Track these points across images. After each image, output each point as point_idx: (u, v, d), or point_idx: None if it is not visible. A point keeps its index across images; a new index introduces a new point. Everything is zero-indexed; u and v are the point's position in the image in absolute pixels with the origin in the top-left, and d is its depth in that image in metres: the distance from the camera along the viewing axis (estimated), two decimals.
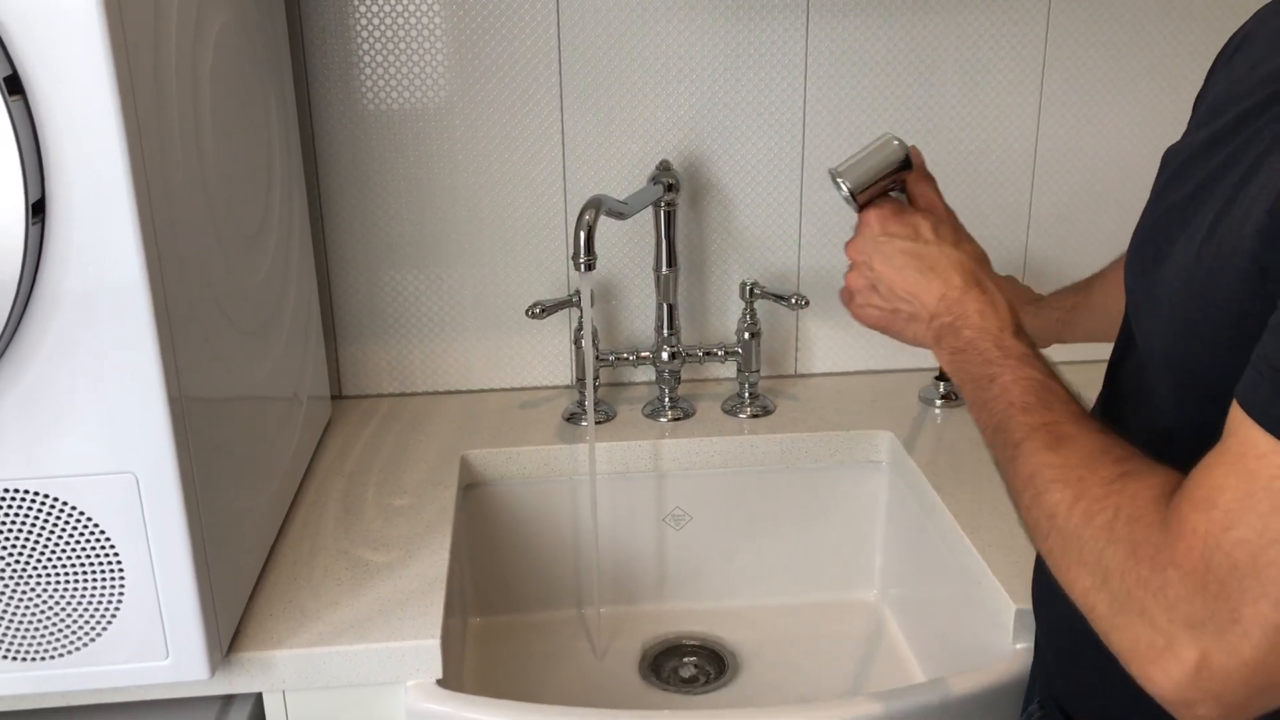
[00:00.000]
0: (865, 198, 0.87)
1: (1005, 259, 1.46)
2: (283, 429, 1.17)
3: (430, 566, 1.09)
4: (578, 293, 1.36)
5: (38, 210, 0.77)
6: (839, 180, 0.86)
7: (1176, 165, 0.75)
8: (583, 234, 1.16)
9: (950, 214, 0.88)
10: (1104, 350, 0.99)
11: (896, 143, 0.86)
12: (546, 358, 1.47)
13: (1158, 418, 0.74)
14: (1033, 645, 1.00)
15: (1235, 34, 0.84)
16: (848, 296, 0.90)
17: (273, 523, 1.13)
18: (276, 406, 1.15)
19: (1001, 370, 0.74)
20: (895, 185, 0.88)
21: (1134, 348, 0.78)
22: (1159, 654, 0.57)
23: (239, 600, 1.00)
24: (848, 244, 0.88)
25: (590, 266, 1.17)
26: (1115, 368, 0.83)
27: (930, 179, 0.89)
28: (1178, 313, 0.67)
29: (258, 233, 1.09)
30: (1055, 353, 0.91)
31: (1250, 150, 0.64)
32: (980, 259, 0.84)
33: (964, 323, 0.79)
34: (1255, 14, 0.82)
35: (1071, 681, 0.84)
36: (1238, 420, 0.57)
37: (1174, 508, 0.58)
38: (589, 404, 1.29)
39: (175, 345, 0.85)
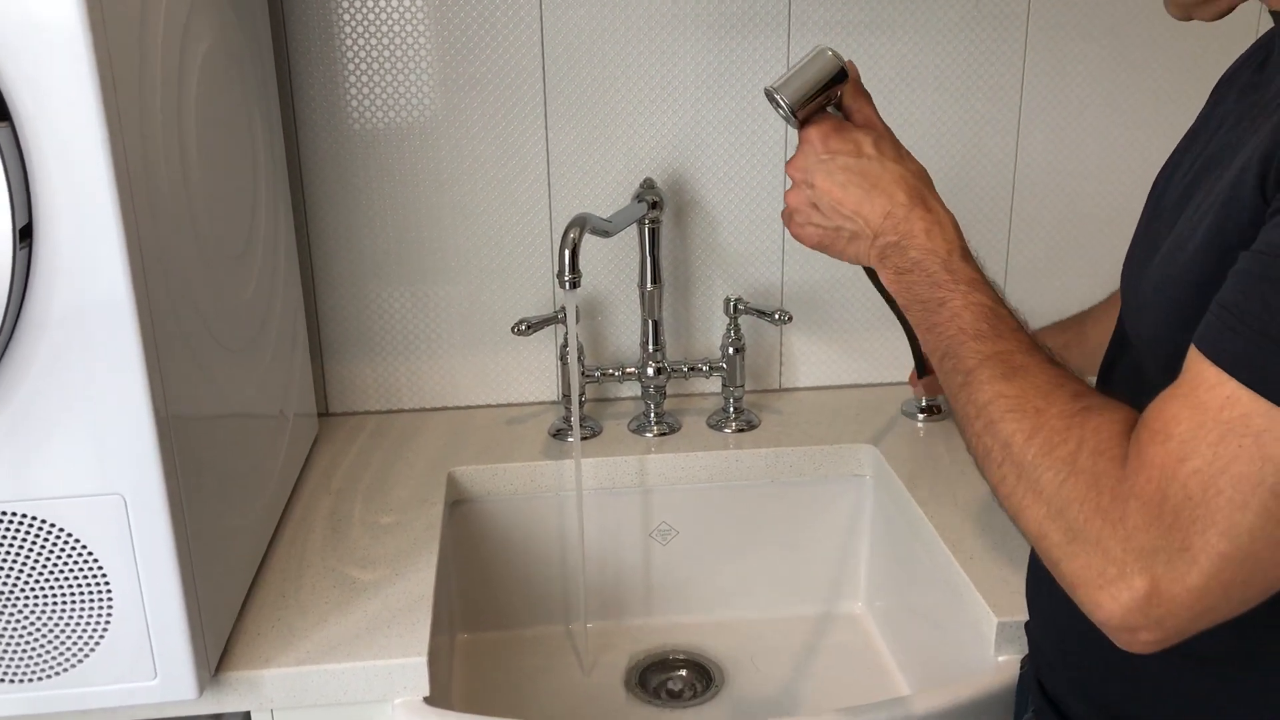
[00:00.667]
0: (805, 113, 0.84)
1: (988, 259, 1.47)
2: (270, 447, 1.18)
3: (417, 584, 1.10)
4: (563, 309, 1.37)
5: (25, 235, 0.78)
6: (777, 96, 0.83)
7: (1172, 183, 0.77)
8: (567, 252, 1.17)
9: (888, 130, 0.87)
10: None
11: (830, 53, 0.84)
12: (532, 374, 1.48)
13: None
14: (1015, 659, 1.01)
15: (1230, 68, 0.86)
16: (787, 216, 0.88)
17: (260, 541, 1.13)
18: (263, 424, 1.16)
19: (951, 294, 0.74)
20: (832, 100, 0.85)
21: (1128, 349, 0.79)
22: (1110, 581, 0.58)
23: (227, 619, 1.00)
24: (788, 162, 0.87)
25: (575, 284, 1.18)
26: (1108, 370, 0.85)
27: (866, 95, 0.87)
28: (1170, 302, 0.69)
29: (243, 252, 1.10)
30: None
31: (1238, 146, 0.66)
32: (924, 176, 0.83)
33: (910, 242, 0.78)
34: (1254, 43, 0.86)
35: (1067, 670, 0.85)
36: (1192, 357, 0.59)
37: (1134, 441, 0.59)
38: (575, 420, 1.29)
39: (162, 366, 0.85)
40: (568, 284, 1.17)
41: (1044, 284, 1.48)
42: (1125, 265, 0.81)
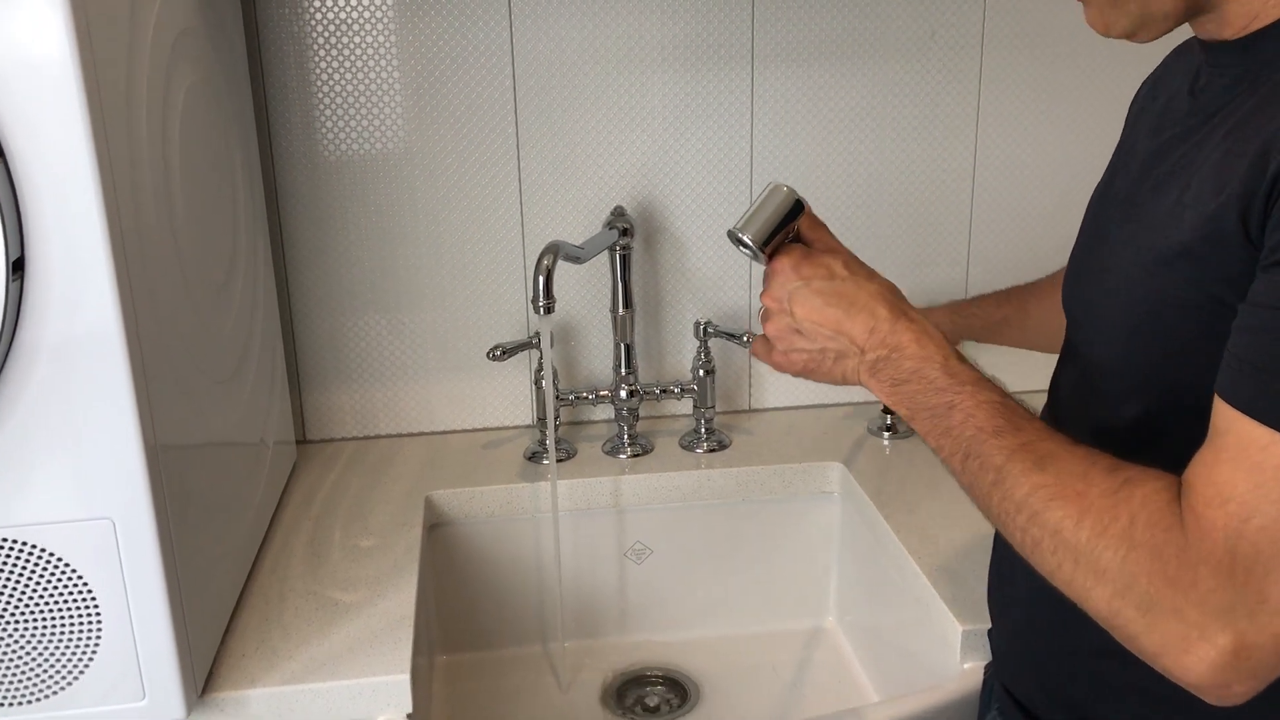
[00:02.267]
0: (770, 248, 0.86)
1: (946, 291, 1.52)
2: (251, 474, 1.20)
3: (398, 605, 1.12)
4: (537, 334, 1.40)
5: (17, 268, 0.80)
6: (741, 236, 0.86)
7: (1108, 199, 0.82)
8: (541, 278, 1.20)
9: (851, 253, 0.88)
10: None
11: (786, 189, 0.87)
12: (507, 398, 1.51)
13: (1104, 420, 0.79)
14: (979, 665, 1.05)
15: (1144, 82, 0.91)
16: (765, 349, 0.87)
17: (243, 565, 1.16)
18: (245, 452, 1.18)
19: (959, 397, 0.74)
20: (791, 233, 0.87)
21: (1075, 359, 0.83)
22: (1193, 645, 0.60)
23: (212, 641, 1.02)
24: (763, 293, 0.87)
25: (550, 309, 1.21)
26: (1058, 381, 0.89)
27: (822, 224, 0.89)
28: (1127, 317, 0.72)
29: (225, 283, 1.12)
30: None
31: (1191, 164, 0.71)
32: (896, 290, 0.84)
33: (902, 354, 0.78)
34: (1163, 60, 0.90)
35: (1034, 676, 0.88)
36: (1229, 417, 0.61)
37: (1188, 509, 0.61)
38: (550, 443, 1.32)
39: (150, 394, 0.88)
40: (542, 309, 1.21)
41: (1001, 277, 1.53)
42: (1067, 283, 0.86)
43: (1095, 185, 0.90)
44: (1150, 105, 0.86)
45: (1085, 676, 0.82)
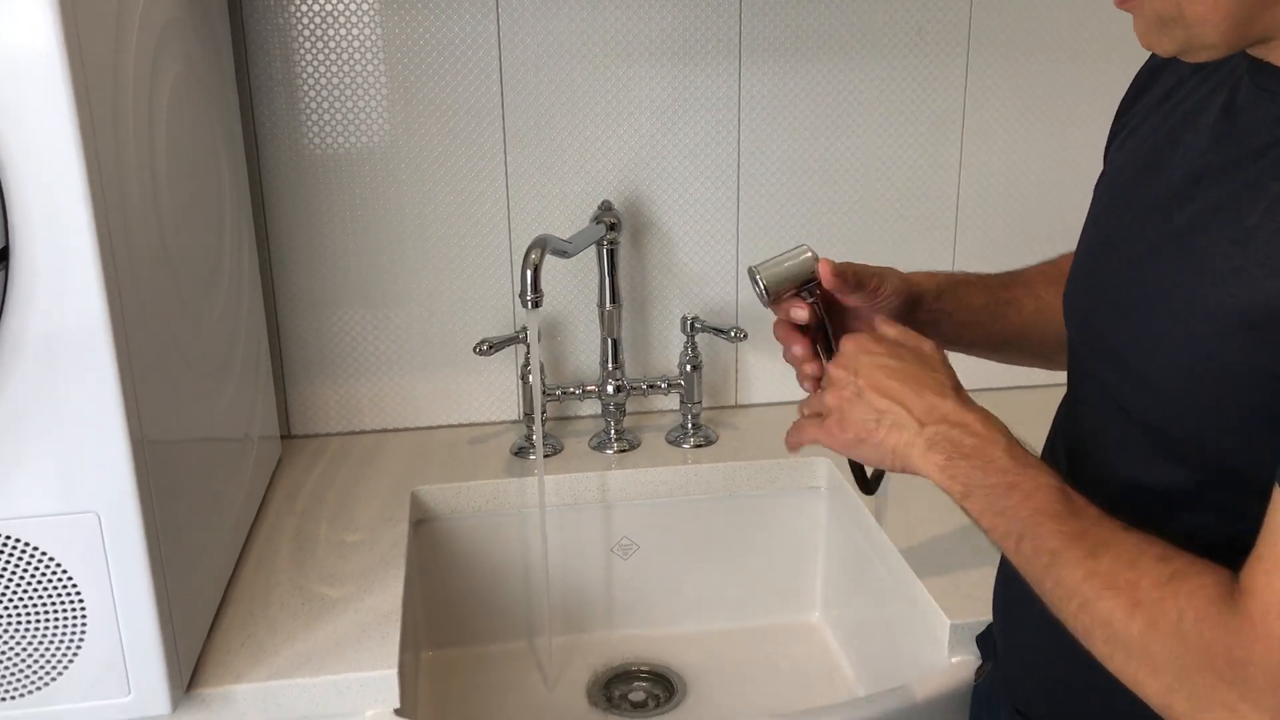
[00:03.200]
0: (775, 296, 0.92)
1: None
2: (236, 468, 1.19)
3: (385, 600, 1.12)
4: (524, 329, 1.40)
5: (2, 258, 0.80)
6: (757, 278, 0.91)
7: (1130, 203, 0.78)
8: (529, 273, 1.20)
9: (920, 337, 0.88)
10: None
11: (810, 254, 0.91)
12: (493, 393, 1.50)
13: (1123, 469, 0.77)
14: (967, 660, 1.05)
15: (1146, 66, 0.88)
16: (814, 425, 0.86)
17: (228, 560, 1.15)
18: (230, 446, 1.17)
19: (1019, 478, 0.74)
20: (804, 291, 0.92)
21: (1103, 397, 0.79)
22: None
23: (198, 636, 1.02)
24: (831, 362, 0.87)
25: (537, 304, 1.21)
26: (1073, 406, 0.85)
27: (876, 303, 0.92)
28: (1187, 378, 0.70)
29: (211, 275, 1.12)
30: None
31: (1246, 208, 0.67)
32: (958, 383, 0.84)
33: (965, 430, 0.78)
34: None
35: (1051, 697, 0.88)
36: None
37: (1242, 610, 0.61)
38: (538, 438, 1.32)
39: (136, 387, 0.87)
40: (530, 304, 1.20)
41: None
42: (1079, 294, 0.83)
43: (1086, 179, 0.88)
44: (1151, 86, 0.84)
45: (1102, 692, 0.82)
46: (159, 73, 0.97)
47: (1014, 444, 0.77)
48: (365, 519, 1.28)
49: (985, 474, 0.75)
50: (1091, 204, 0.87)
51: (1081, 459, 0.83)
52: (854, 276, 0.92)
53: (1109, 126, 0.91)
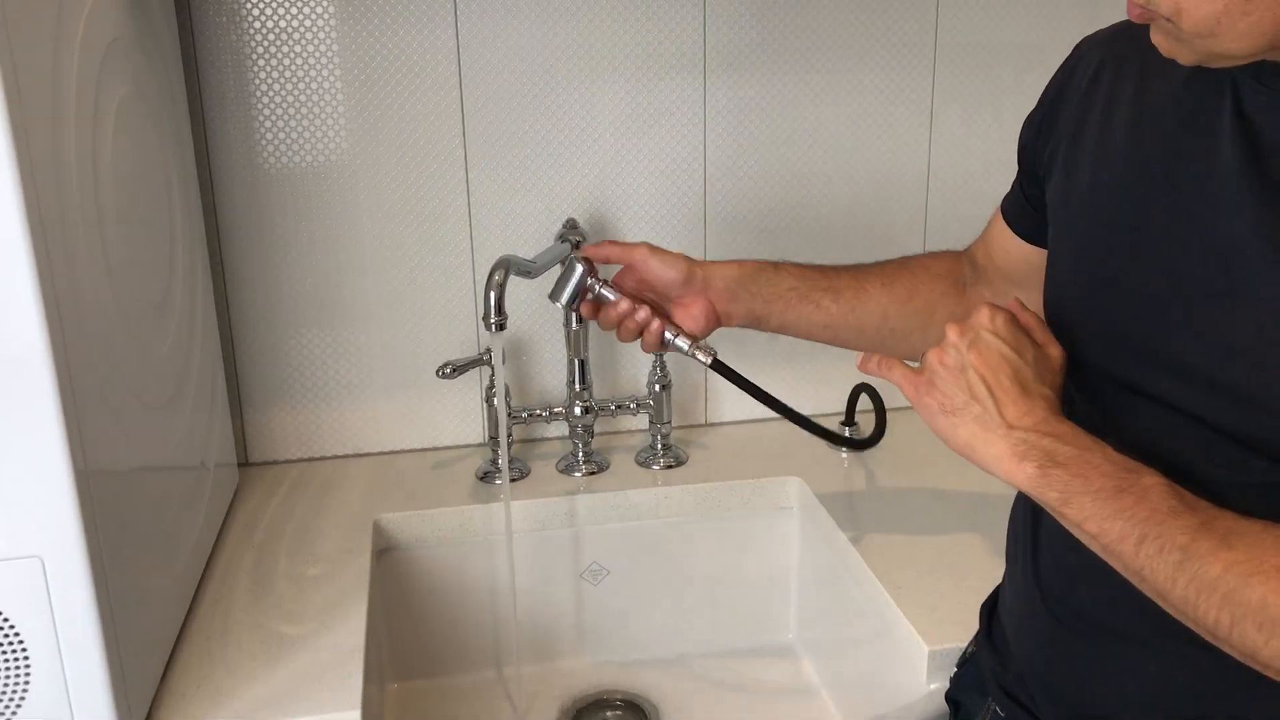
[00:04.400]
0: (575, 301, 1.10)
1: None
2: (191, 500, 1.15)
3: (346, 637, 1.08)
4: (488, 351, 1.36)
5: None
6: (557, 304, 1.11)
7: (1153, 221, 0.76)
8: (493, 294, 1.16)
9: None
10: None
11: (576, 257, 1.10)
12: (458, 416, 1.47)
13: (1205, 473, 0.73)
14: (945, 686, 1.03)
15: (1082, 59, 0.86)
16: (926, 378, 0.83)
17: (183, 598, 1.10)
18: (184, 477, 1.13)
19: (1127, 480, 0.71)
20: (597, 285, 1.09)
21: (1146, 408, 0.76)
22: None
23: (150, 681, 0.97)
24: (952, 324, 0.84)
25: (501, 326, 1.17)
26: (1109, 427, 0.80)
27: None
28: (1265, 386, 0.68)
29: (162, 302, 1.07)
30: None
31: None
32: (1059, 402, 0.81)
33: (1059, 440, 0.75)
34: (1101, 39, 0.86)
35: (1059, 686, 0.86)
36: None
37: None
38: (503, 463, 1.29)
39: (81, 423, 0.83)
40: (494, 326, 1.17)
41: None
42: (1097, 321, 0.80)
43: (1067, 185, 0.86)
44: (1093, 92, 0.82)
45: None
46: (103, 95, 0.93)
47: (1111, 450, 0.74)
48: (326, 550, 1.24)
49: (1088, 480, 0.73)
50: (1072, 218, 0.84)
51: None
52: (606, 256, 1.09)
53: None
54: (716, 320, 1.08)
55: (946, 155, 1.47)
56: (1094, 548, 0.72)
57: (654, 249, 1.08)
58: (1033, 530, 0.88)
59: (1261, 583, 0.64)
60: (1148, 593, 0.70)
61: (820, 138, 1.44)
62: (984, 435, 0.77)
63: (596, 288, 1.08)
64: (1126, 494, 0.71)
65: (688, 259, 1.08)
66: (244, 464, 1.44)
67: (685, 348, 1.07)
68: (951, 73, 1.44)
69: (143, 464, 0.98)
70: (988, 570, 1.13)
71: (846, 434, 1.46)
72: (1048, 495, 0.74)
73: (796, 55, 1.40)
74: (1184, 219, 0.74)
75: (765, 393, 1.12)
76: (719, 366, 1.09)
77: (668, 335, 1.06)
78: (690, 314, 1.07)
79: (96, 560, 0.85)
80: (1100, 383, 0.81)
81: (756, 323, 1.09)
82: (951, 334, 0.83)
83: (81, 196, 0.87)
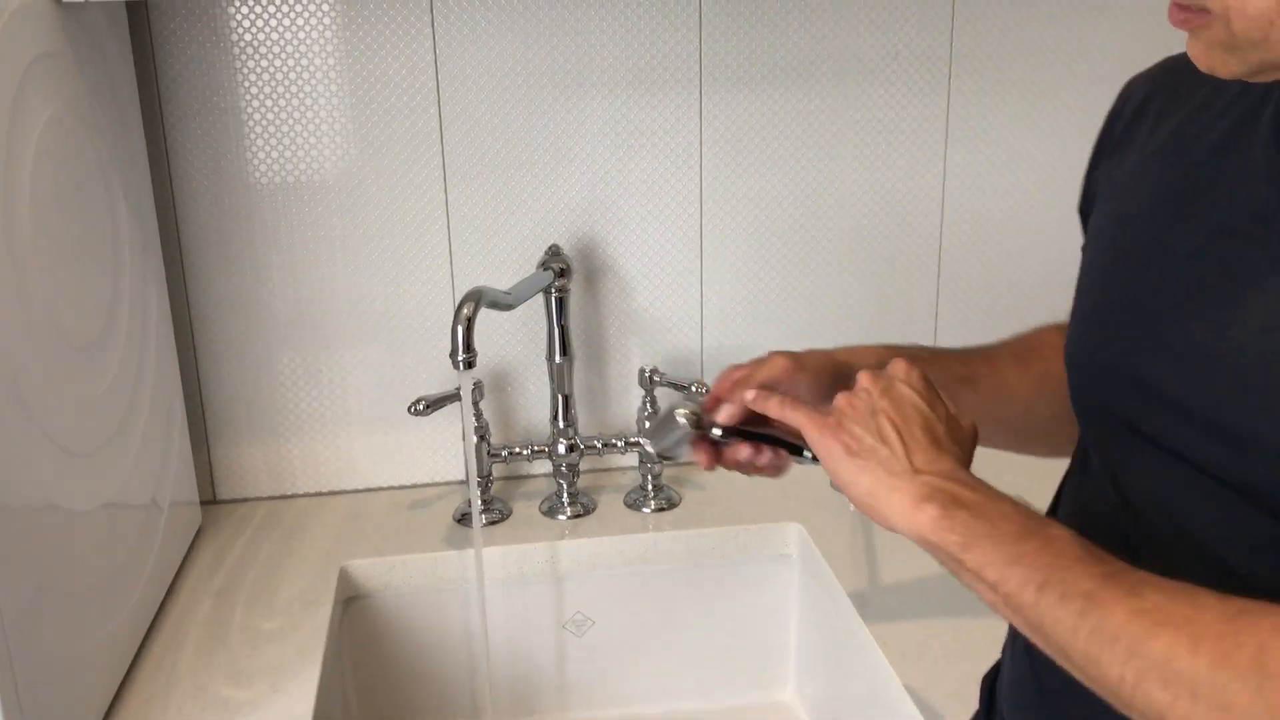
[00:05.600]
0: (672, 453, 0.87)
1: (914, 333, 1.41)
2: (139, 543, 1.07)
3: (296, 701, 0.99)
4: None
5: None
6: (647, 447, 0.94)
7: (1172, 251, 0.69)
8: (460, 329, 1.08)
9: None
10: None
11: (683, 415, 0.85)
12: (437, 451, 1.38)
13: (1202, 527, 0.67)
14: None
15: (1130, 97, 0.79)
16: (834, 419, 0.78)
17: (123, 656, 1.02)
18: (129, 519, 1.05)
19: (1033, 526, 0.66)
20: (709, 434, 0.85)
21: (1150, 454, 0.70)
22: None
23: None
24: (863, 371, 0.80)
25: (470, 364, 1.09)
26: (1111, 473, 0.74)
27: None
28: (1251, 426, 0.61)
29: (98, 340, 0.99)
30: None
31: None
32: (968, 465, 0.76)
33: (964, 486, 0.70)
34: (1147, 75, 0.79)
35: None
36: None
37: None
38: (475, 510, 1.20)
39: None
40: (462, 364, 1.08)
41: (975, 332, 1.41)
42: (1100, 360, 0.73)
43: (1067, 212, 0.78)
44: (1141, 119, 0.75)
45: None
46: (21, 119, 0.85)
47: (1018, 501, 0.68)
48: (286, 601, 1.15)
49: (991, 524, 0.67)
50: (1094, 252, 0.77)
51: (1140, 523, 0.72)
52: (741, 416, 0.85)
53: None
54: None
55: (963, 178, 1.37)
56: (995, 604, 0.66)
57: (792, 359, 0.88)
58: None
59: (1169, 634, 0.56)
60: (1051, 652, 0.63)
61: (826, 159, 1.34)
62: (888, 480, 0.72)
63: (706, 434, 0.86)
64: (1030, 539, 0.65)
65: (828, 358, 0.90)
66: (211, 502, 1.36)
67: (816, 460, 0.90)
68: (968, 90, 1.34)
69: (61, 519, 0.90)
70: (995, 638, 1.03)
71: None
72: (948, 540, 0.67)
73: (800, 70, 1.31)
74: (1207, 250, 0.67)
75: None
76: None
77: (795, 462, 0.88)
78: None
79: None
80: (1114, 432, 0.73)
81: None
82: (864, 380, 0.77)
83: None
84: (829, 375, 0.88)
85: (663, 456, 0.89)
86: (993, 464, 0.81)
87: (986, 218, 1.39)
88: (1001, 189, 1.38)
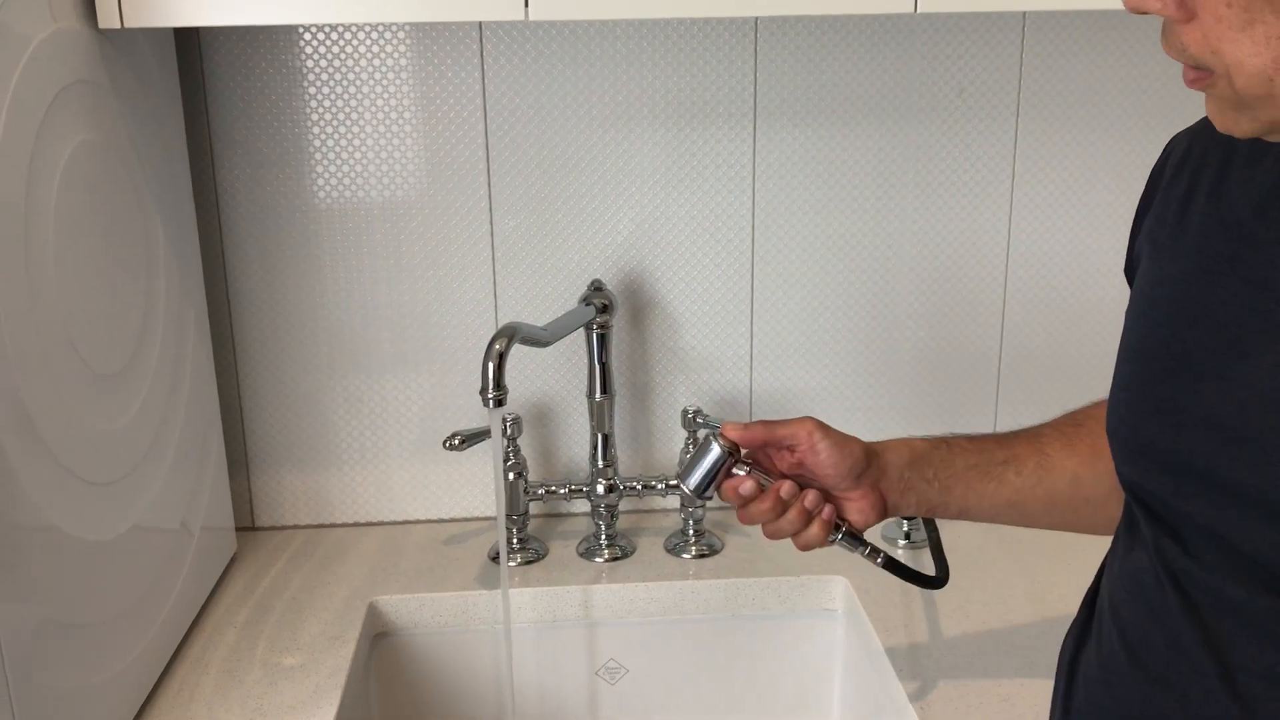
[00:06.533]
0: (709, 490, 0.88)
1: (975, 381, 1.35)
2: (165, 569, 1.06)
3: None
4: (503, 422, 1.24)
5: None
6: (685, 489, 0.89)
7: (1199, 304, 0.65)
8: (491, 365, 1.05)
9: None
10: None
11: (716, 443, 0.86)
12: (475, 486, 1.35)
13: (1241, 611, 0.62)
14: None
15: (1170, 154, 0.75)
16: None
17: (142, 686, 1.01)
18: (154, 545, 1.04)
19: None
20: (736, 467, 0.87)
21: (1201, 537, 0.65)
22: None
23: None
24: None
25: (500, 402, 1.06)
26: (1162, 556, 0.68)
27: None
28: None
29: (124, 370, 0.98)
30: None
31: None
32: None
33: None
34: (1189, 132, 0.75)
35: None
36: None
37: None
38: (503, 555, 1.16)
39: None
40: (492, 402, 1.05)
41: (1040, 383, 1.35)
42: (1149, 433, 0.68)
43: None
44: (1181, 172, 0.71)
45: None
46: (46, 146, 0.85)
47: None
48: (309, 636, 1.13)
49: None
50: (1133, 317, 0.73)
51: (1185, 600, 0.66)
52: (762, 438, 0.87)
53: None
54: (883, 515, 0.89)
55: (1030, 222, 1.30)
56: None
57: (821, 426, 0.86)
58: (1070, 666, 0.77)
59: None
60: None
61: (885, 196, 1.29)
62: None
63: (744, 471, 0.87)
64: None
65: (857, 440, 0.87)
66: (249, 528, 1.35)
67: (854, 549, 0.89)
68: (1037, 129, 1.27)
69: (80, 537, 0.89)
70: (1043, 710, 0.96)
71: (905, 529, 1.30)
72: None
73: (858, 105, 1.26)
74: (1249, 313, 0.62)
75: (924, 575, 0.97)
76: (892, 565, 0.91)
77: (834, 534, 0.87)
78: (857, 508, 0.87)
79: None
80: (1159, 507, 0.68)
81: (930, 511, 0.90)
82: None
83: (7, 253, 0.78)
84: (857, 456, 0.85)
85: (698, 494, 0.88)
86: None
87: (1053, 260, 1.32)
88: (1073, 237, 1.31)
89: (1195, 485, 0.63)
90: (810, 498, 0.86)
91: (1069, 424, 0.89)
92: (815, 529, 0.86)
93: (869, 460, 0.86)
